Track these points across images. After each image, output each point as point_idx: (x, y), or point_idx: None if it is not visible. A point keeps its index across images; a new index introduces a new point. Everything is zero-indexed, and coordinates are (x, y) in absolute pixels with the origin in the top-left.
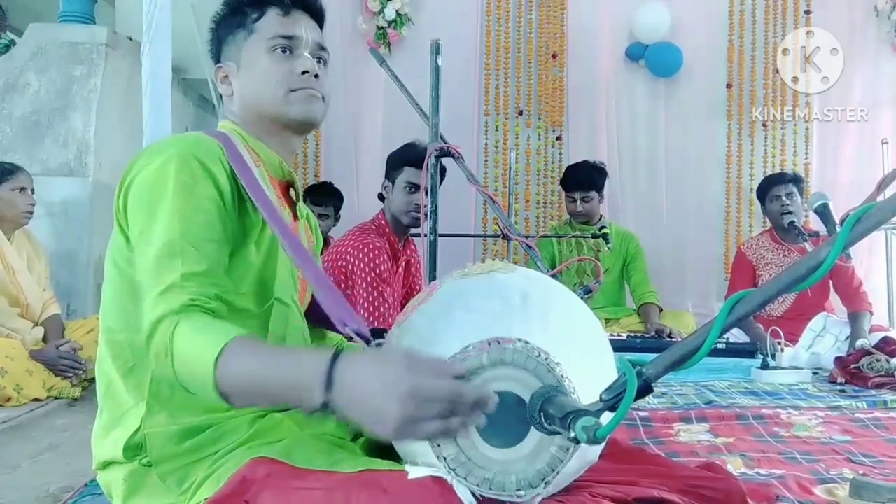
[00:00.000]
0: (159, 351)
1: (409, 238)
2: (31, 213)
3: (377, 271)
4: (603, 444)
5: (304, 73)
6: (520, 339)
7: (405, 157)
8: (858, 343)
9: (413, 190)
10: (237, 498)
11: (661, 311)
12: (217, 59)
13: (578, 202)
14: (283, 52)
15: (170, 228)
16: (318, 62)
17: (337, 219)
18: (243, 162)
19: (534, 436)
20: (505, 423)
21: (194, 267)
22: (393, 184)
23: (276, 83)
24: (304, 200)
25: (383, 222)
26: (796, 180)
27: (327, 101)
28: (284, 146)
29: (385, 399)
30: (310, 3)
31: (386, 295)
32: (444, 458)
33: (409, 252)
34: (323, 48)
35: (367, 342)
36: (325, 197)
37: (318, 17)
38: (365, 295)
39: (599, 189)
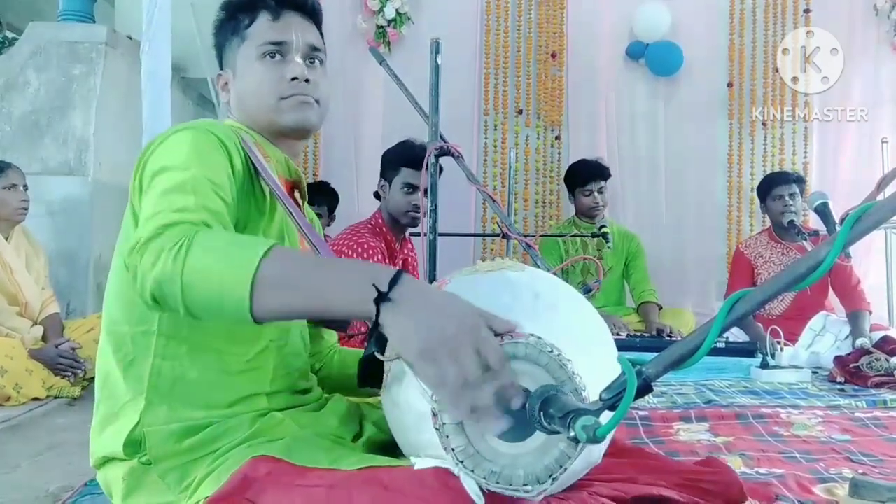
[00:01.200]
0: (168, 247)
1: (406, 237)
2: (26, 209)
3: None
4: (606, 445)
5: (293, 79)
6: (532, 335)
7: (402, 158)
8: (859, 342)
9: (411, 191)
10: (238, 496)
11: (660, 309)
12: (220, 65)
13: (595, 193)
14: (273, 57)
15: (184, 171)
16: (313, 63)
17: (332, 218)
18: (255, 153)
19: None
20: (515, 418)
21: (209, 203)
22: (390, 184)
23: (266, 92)
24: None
25: (380, 221)
26: (799, 180)
27: (324, 104)
28: (287, 149)
29: (451, 315)
30: (300, 2)
31: None
32: (453, 450)
33: (406, 251)
34: (316, 48)
35: (377, 325)
36: (319, 196)
37: (313, 15)
38: None
39: (607, 180)
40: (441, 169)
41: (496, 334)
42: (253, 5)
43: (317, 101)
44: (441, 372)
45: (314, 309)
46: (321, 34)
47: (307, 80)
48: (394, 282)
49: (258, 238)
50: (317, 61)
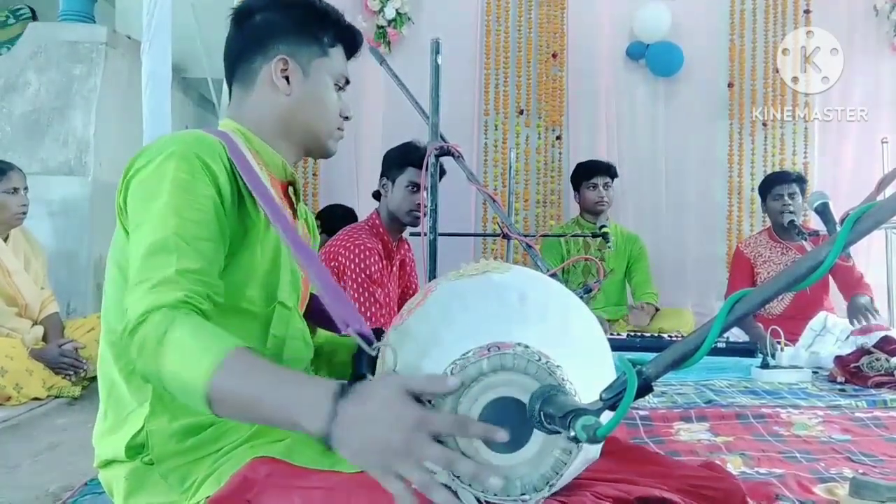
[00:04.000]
0: (148, 341)
1: (403, 238)
2: (24, 213)
3: (367, 272)
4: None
5: (346, 117)
6: (519, 344)
7: (408, 157)
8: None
9: (416, 190)
10: (238, 497)
11: (657, 310)
12: (263, 41)
13: (601, 187)
14: (340, 90)
15: (165, 225)
16: None
17: None
18: (246, 161)
19: (537, 440)
20: (507, 429)
21: (188, 264)
22: (393, 183)
23: (332, 119)
24: (334, 232)
25: (377, 222)
26: (799, 180)
27: None
28: (291, 156)
29: (383, 432)
30: (355, 53)
31: (377, 296)
32: None
33: (402, 252)
34: None
35: (370, 343)
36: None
37: None
38: (355, 296)
39: (613, 180)
40: (444, 171)
41: (429, 401)
42: (337, 31)
43: None
44: (413, 470)
45: (262, 424)
46: None
47: None
48: (333, 413)
49: (216, 342)
50: None
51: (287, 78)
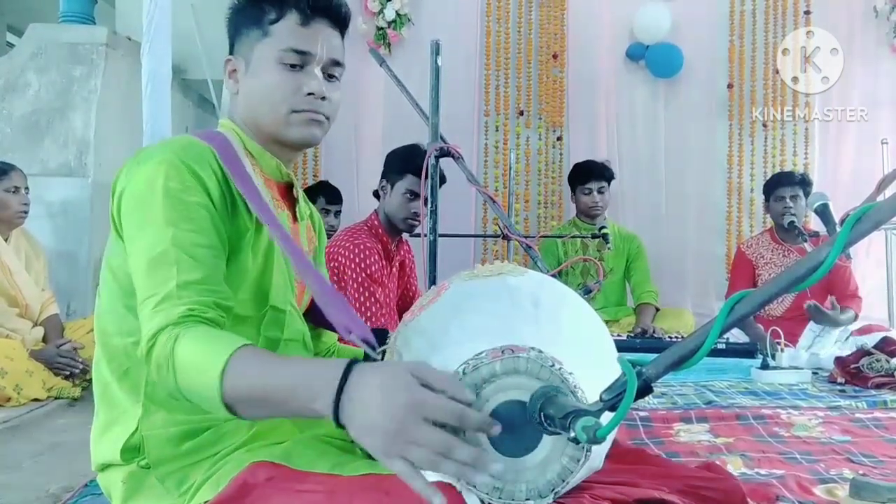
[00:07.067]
0: (160, 363)
1: (402, 238)
2: (26, 213)
3: (368, 272)
4: (606, 449)
5: (309, 94)
6: (533, 348)
7: (409, 164)
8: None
9: (413, 198)
10: (237, 502)
11: (657, 310)
12: (231, 48)
13: (595, 193)
14: (294, 67)
15: (162, 238)
16: (332, 78)
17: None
18: (239, 165)
19: (545, 445)
20: (516, 432)
21: (190, 275)
22: (392, 186)
23: (279, 100)
24: (315, 203)
25: (376, 223)
26: (803, 183)
27: (332, 121)
28: (282, 155)
29: (382, 410)
30: (334, 11)
31: (378, 295)
32: None
33: (402, 252)
34: (338, 63)
35: (373, 348)
36: (334, 195)
37: (341, 24)
38: (356, 295)
39: (610, 182)
40: (444, 179)
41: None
42: (280, 2)
43: (326, 118)
44: (409, 453)
45: (281, 413)
46: (343, 42)
47: (323, 98)
48: (340, 390)
49: (218, 348)
50: (335, 77)
51: (237, 75)
